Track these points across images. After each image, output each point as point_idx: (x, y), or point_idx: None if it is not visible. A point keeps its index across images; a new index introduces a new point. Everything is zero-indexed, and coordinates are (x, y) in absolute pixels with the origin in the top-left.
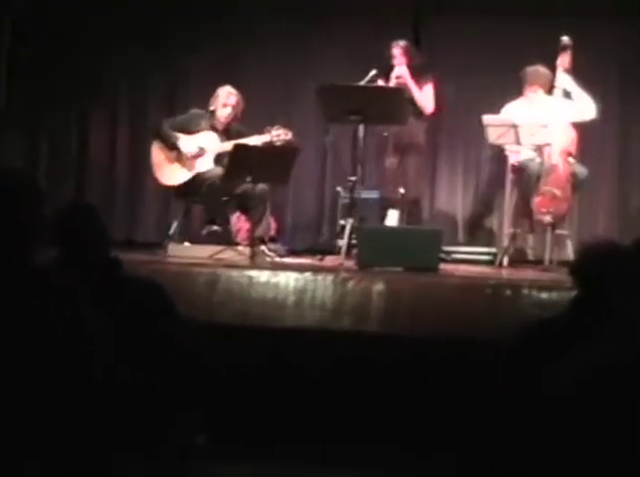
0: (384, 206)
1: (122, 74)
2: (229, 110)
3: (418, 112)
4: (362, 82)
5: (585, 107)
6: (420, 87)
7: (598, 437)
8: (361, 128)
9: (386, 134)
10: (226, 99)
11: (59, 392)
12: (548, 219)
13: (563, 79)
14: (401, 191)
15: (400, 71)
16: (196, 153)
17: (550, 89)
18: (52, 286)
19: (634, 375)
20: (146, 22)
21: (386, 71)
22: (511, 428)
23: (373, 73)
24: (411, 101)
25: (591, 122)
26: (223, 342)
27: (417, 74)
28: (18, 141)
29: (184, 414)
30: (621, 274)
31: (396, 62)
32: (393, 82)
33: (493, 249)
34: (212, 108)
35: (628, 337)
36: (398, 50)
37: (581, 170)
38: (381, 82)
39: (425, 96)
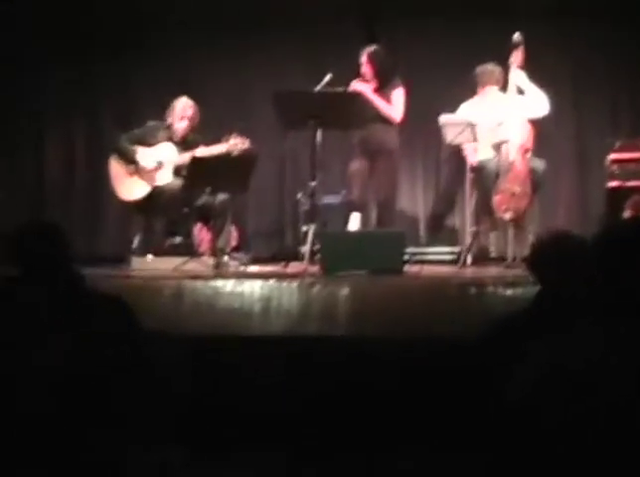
0: (348, 210)
1: (77, 89)
2: (186, 123)
3: (386, 119)
4: (317, 88)
5: (539, 104)
6: (389, 94)
7: (562, 431)
8: (319, 134)
9: (355, 141)
10: (182, 112)
11: (25, 411)
12: (508, 216)
13: (517, 76)
14: (369, 194)
15: (361, 88)
16: (155, 166)
17: (503, 86)
18: (17, 304)
19: (592, 370)
20: (98, 37)
21: (355, 77)
22: (482, 424)
23: (328, 77)
24: (377, 111)
25: (547, 117)
26: (191, 353)
27: (386, 79)
28: None
29: (154, 430)
30: (576, 265)
31: (362, 70)
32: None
33: (456, 249)
34: (169, 121)
35: (584, 332)
36: (363, 57)
37: (540, 165)
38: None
39: (392, 105)
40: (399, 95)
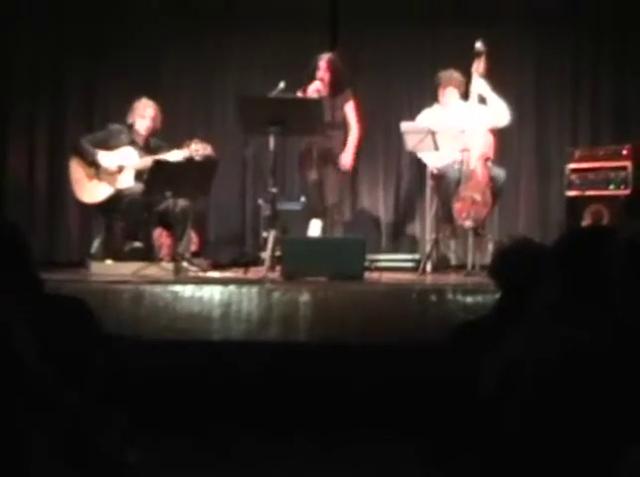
0: (308, 216)
1: (39, 90)
2: (147, 122)
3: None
4: (271, 95)
5: (500, 113)
6: (342, 104)
7: (525, 431)
8: (271, 139)
9: (305, 145)
10: (143, 111)
11: None
12: (468, 223)
13: (479, 84)
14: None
15: (319, 90)
16: (116, 169)
17: (465, 94)
18: None
19: (546, 375)
20: (65, 36)
21: (309, 81)
22: (447, 428)
23: (281, 85)
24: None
25: (509, 126)
26: (150, 357)
27: (339, 87)
28: None
29: (111, 431)
30: (536, 271)
31: (319, 75)
32: (310, 94)
33: (416, 256)
34: (130, 122)
35: (540, 335)
36: (322, 63)
37: (500, 173)
38: (300, 93)
39: (349, 117)
40: (351, 109)
